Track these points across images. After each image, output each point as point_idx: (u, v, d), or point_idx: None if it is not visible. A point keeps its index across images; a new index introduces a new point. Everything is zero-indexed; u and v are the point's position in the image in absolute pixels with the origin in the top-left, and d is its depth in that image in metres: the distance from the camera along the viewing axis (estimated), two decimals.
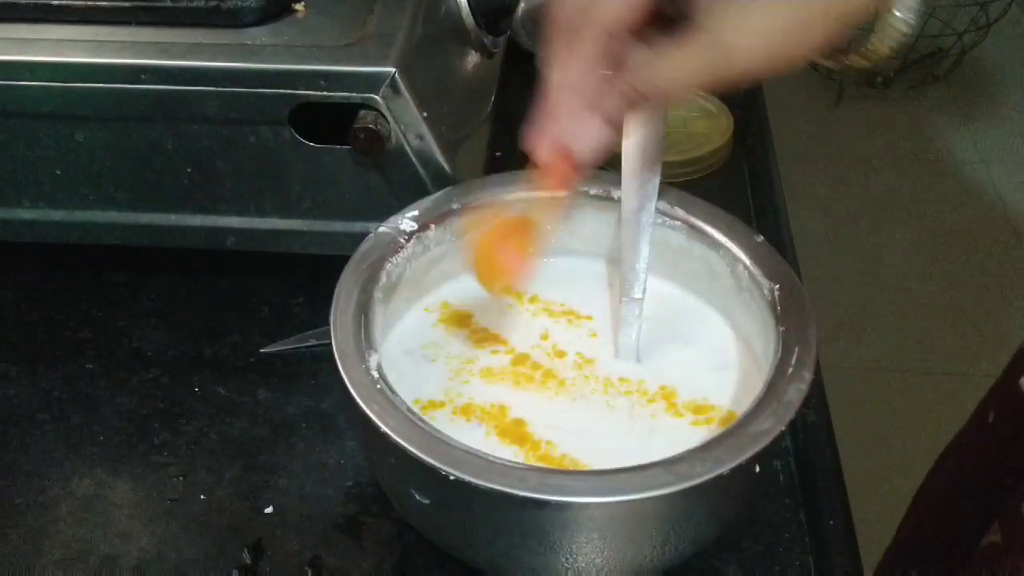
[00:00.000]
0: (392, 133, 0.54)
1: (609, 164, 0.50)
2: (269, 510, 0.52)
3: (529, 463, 0.45)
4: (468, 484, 0.39)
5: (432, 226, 0.52)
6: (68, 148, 0.57)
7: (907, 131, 2.28)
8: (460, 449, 0.40)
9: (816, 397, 0.55)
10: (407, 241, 0.51)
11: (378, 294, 0.48)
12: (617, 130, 0.45)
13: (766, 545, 0.50)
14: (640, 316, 0.51)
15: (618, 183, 0.52)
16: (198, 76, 0.54)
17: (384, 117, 0.54)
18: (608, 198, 0.54)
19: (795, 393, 0.43)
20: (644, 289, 0.51)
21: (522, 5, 0.91)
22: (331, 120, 0.55)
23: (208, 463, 0.54)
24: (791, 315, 0.47)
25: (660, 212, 0.52)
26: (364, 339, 0.45)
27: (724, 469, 0.40)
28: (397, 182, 0.57)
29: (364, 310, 0.47)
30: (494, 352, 0.52)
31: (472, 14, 0.63)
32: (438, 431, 0.41)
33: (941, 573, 0.70)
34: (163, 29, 0.56)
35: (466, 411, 0.48)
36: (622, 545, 0.42)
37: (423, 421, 0.42)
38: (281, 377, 0.59)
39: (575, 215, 0.55)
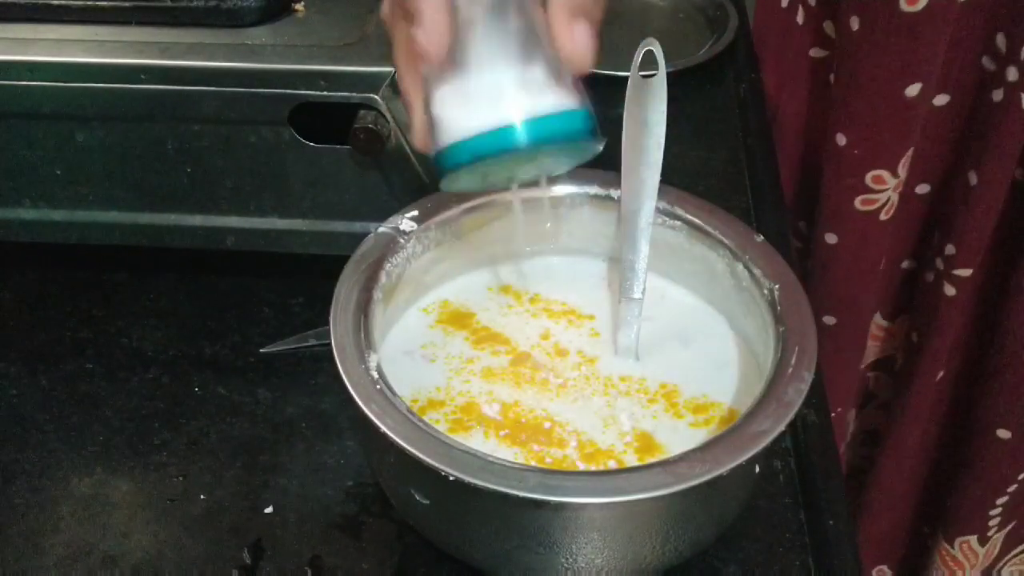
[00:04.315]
0: (392, 133, 0.54)
1: (609, 164, 0.50)
2: (269, 510, 0.52)
3: (529, 463, 0.45)
4: (467, 484, 0.39)
5: (432, 226, 0.52)
6: (68, 148, 0.57)
7: None
8: (460, 449, 0.40)
9: (816, 397, 0.55)
10: (407, 241, 0.51)
11: (378, 294, 0.48)
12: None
13: (766, 545, 0.50)
14: (640, 316, 0.51)
15: (618, 183, 0.52)
16: (198, 76, 0.54)
17: (384, 117, 0.54)
18: (608, 198, 0.54)
19: (795, 393, 0.43)
20: (644, 289, 0.51)
21: None
22: (331, 120, 0.55)
23: (208, 463, 0.54)
24: (791, 315, 0.47)
25: (660, 212, 0.52)
26: (364, 339, 0.45)
27: (724, 469, 0.40)
28: (397, 182, 0.57)
29: (364, 310, 0.47)
30: (494, 352, 0.52)
31: None
32: (438, 431, 0.41)
33: None
34: (163, 29, 0.56)
35: (466, 411, 0.48)
36: (622, 545, 0.42)
37: (423, 421, 0.42)
38: (281, 377, 0.59)
39: (575, 215, 0.55)
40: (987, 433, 0.76)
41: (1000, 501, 0.80)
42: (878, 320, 0.84)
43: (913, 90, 0.66)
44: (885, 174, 0.71)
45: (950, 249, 0.72)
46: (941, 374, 0.79)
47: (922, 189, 0.75)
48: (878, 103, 0.68)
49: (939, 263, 0.74)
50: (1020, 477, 0.78)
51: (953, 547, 0.84)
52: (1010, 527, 0.83)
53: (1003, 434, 0.75)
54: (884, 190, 0.72)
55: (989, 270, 0.73)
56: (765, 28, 0.86)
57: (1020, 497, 0.80)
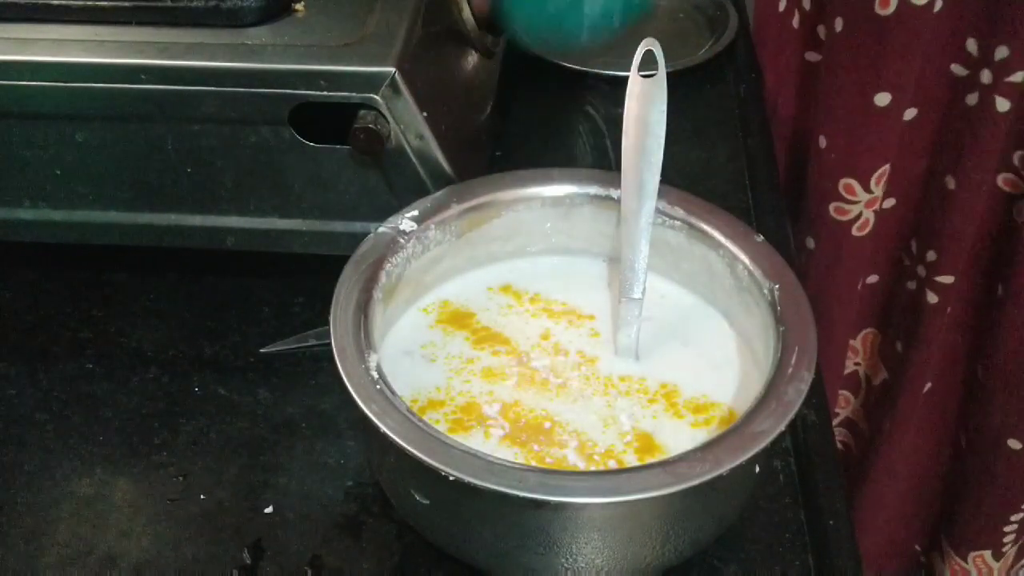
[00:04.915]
0: (392, 133, 0.54)
1: (609, 164, 0.50)
2: (269, 510, 0.52)
3: (529, 463, 0.45)
4: (467, 484, 0.39)
5: (432, 226, 0.52)
6: (68, 148, 0.57)
7: None
8: (460, 449, 0.40)
9: (816, 397, 0.55)
10: (407, 241, 0.51)
11: (378, 294, 0.48)
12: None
13: (766, 545, 0.50)
14: (640, 316, 0.51)
15: (618, 183, 0.52)
16: (198, 76, 0.54)
17: (384, 117, 0.54)
18: (608, 198, 0.54)
19: (795, 393, 0.43)
20: (644, 289, 0.51)
21: None
22: (331, 120, 0.55)
23: (208, 463, 0.54)
24: (791, 315, 0.47)
25: (660, 212, 0.52)
26: (364, 339, 0.45)
27: (724, 469, 0.40)
28: (397, 182, 0.57)
29: (364, 310, 0.47)
30: (495, 352, 0.52)
31: (472, 14, 0.63)
32: (438, 431, 0.42)
33: None
34: (163, 29, 0.56)
35: (466, 411, 0.48)
36: (622, 545, 0.43)
37: (423, 421, 0.42)
38: (281, 377, 0.59)
39: (575, 215, 0.55)
40: (998, 444, 0.75)
41: (1015, 518, 0.79)
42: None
43: (883, 99, 0.66)
44: (856, 186, 0.71)
45: (931, 256, 0.72)
46: (928, 386, 0.78)
47: (889, 203, 0.74)
48: (852, 108, 0.69)
49: (920, 270, 0.74)
50: None
51: (967, 562, 0.83)
52: None
53: (1014, 444, 0.74)
54: (856, 202, 0.72)
55: (973, 277, 0.73)
56: (763, 30, 0.86)
57: None
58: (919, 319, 0.75)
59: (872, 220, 0.73)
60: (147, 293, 0.65)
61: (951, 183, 0.69)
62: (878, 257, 0.77)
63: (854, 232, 0.73)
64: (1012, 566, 0.85)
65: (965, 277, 0.72)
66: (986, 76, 0.64)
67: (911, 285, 0.75)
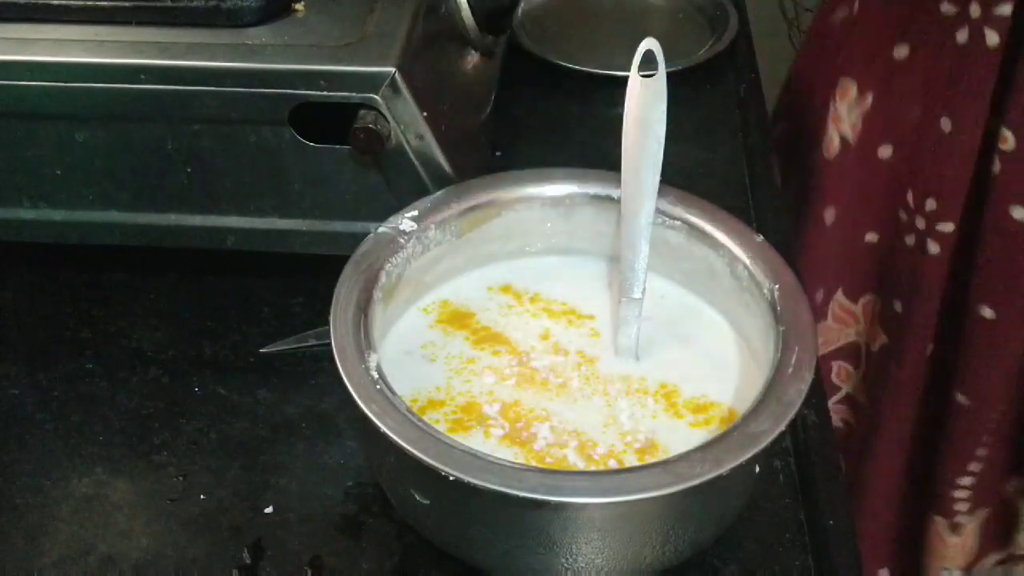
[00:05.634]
0: (392, 133, 0.54)
1: (609, 164, 0.50)
2: (269, 510, 0.52)
3: (529, 463, 0.45)
4: (467, 484, 0.39)
5: (432, 226, 0.52)
6: (68, 148, 0.57)
7: None
8: (459, 449, 0.41)
9: (816, 397, 0.55)
10: (407, 241, 0.51)
11: (378, 294, 0.48)
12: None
13: (766, 545, 0.50)
14: (639, 316, 0.51)
15: (618, 183, 0.52)
16: (198, 76, 0.54)
17: (384, 117, 0.54)
18: (608, 198, 0.54)
19: (795, 393, 0.43)
20: (644, 289, 0.51)
21: (522, 5, 0.91)
22: (331, 120, 0.55)
23: (208, 463, 0.54)
24: (791, 315, 0.47)
25: (660, 212, 0.52)
26: (364, 339, 0.45)
27: (724, 469, 0.40)
28: (397, 182, 0.57)
29: (364, 310, 0.47)
30: (495, 352, 0.52)
31: (472, 14, 0.63)
32: (438, 431, 0.42)
33: None
34: (163, 29, 0.56)
35: (466, 411, 0.48)
36: (622, 545, 0.43)
37: (423, 421, 0.42)
38: (281, 377, 0.59)
39: (575, 215, 0.55)
40: (950, 398, 0.73)
41: (963, 482, 0.76)
42: (840, 299, 0.81)
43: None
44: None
45: (930, 204, 0.70)
46: (931, 348, 0.75)
47: (885, 151, 0.72)
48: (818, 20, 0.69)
49: (920, 222, 0.71)
50: (979, 453, 0.75)
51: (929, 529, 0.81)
52: (984, 515, 0.79)
53: (961, 400, 0.72)
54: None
55: (967, 225, 0.70)
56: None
57: (987, 479, 0.76)
58: (919, 273, 0.72)
59: (838, 147, 0.72)
60: (147, 293, 0.65)
61: (947, 125, 0.67)
62: (878, 214, 0.75)
63: (825, 154, 0.72)
64: (978, 554, 0.82)
65: (963, 222, 0.70)
66: (975, 10, 0.63)
67: (910, 240, 0.73)
